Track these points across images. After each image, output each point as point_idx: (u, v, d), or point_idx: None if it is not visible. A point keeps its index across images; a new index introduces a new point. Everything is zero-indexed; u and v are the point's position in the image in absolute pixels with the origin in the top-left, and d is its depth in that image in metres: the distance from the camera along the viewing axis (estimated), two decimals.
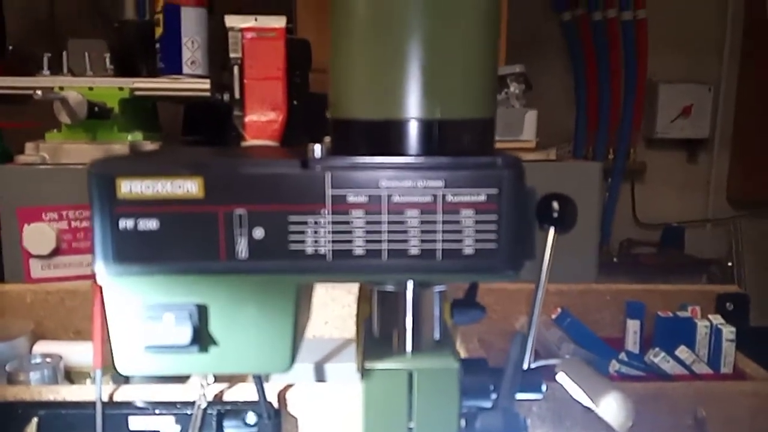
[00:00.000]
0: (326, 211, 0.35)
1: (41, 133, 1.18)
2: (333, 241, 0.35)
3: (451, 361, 0.40)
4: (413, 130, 0.36)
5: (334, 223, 0.35)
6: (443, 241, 0.35)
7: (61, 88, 1.12)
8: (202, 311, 0.36)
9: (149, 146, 1.16)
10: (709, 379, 0.72)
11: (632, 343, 0.79)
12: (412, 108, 0.35)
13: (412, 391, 0.40)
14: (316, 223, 0.35)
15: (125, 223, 0.35)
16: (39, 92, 1.01)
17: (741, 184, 2.27)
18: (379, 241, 0.35)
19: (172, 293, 0.36)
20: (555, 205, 0.42)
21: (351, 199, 0.35)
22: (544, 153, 1.16)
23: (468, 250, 0.35)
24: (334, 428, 0.65)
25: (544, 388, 0.46)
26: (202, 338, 0.37)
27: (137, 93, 1.16)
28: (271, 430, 0.63)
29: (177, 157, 0.37)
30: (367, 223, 0.35)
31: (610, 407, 0.44)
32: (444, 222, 0.35)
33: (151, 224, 0.35)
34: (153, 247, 0.35)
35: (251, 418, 0.63)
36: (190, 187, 0.35)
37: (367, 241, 0.35)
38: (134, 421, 0.62)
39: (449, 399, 0.40)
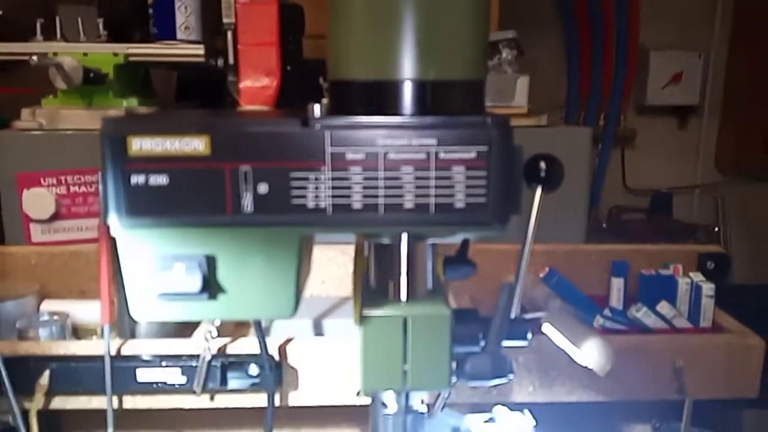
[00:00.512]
0: (326, 168, 0.37)
1: (36, 99, 1.19)
2: (333, 196, 0.38)
3: (444, 308, 0.43)
4: (408, 90, 0.38)
5: (333, 179, 0.37)
6: (436, 195, 0.38)
7: (55, 54, 1.12)
8: (211, 261, 0.39)
9: (144, 111, 1.17)
10: (688, 333, 0.76)
11: (616, 300, 0.82)
12: (407, 69, 0.38)
13: (406, 336, 0.43)
14: (316, 179, 0.38)
15: (137, 179, 0.37)
16: (35, 58, 1.01)
17: (729, 150, 2.30)
18: (376, 196, 0.38)
19: (182, 245, 0.39)
20: (542, 164, 0.44)
21: (349, 156, 0.37)
22: (536, 119, 1.18)
23: (459, 204, 0.38)
24: (332, 379, 0.68)
25: (529, 336, 0.49)
26: (211, 286, 0.39)
27: (131, 59, 1.17)
28: (272, 381, 0.66)
29: (184, 116, 0.39)
30: (365, 179, 0.38)
31: (591, 352, 0.47)
32: (436, 178, 0.38)
33: (161, 180, 0.37)
34: (163, 202, 0.38)
35: (254, 369, 0.66)
36: (197, 144, 0.37)
37: (365, 196, 0.38)
38: (142, 374, 0.65)
39: (441, 343, 0.43)
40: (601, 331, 0.74)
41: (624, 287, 0.82)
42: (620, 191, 2.29)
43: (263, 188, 0.38)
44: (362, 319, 0.43)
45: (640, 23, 2.11)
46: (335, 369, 0.68)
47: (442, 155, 0.37)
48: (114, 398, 0.67)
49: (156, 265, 0.39)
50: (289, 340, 0.68)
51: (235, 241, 0.39)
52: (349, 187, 0.38)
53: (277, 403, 0.67)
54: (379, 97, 0.38)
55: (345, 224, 0.38)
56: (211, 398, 0.68)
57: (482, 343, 0.47)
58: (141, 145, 0.37)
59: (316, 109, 0.38)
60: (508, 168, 0.38)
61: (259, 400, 0.67)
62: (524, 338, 0.49)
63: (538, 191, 0.45)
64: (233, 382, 0.66)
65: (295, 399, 0.68)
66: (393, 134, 0.37)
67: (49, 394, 0.66)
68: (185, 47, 1.18)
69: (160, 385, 0.66)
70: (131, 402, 0.68)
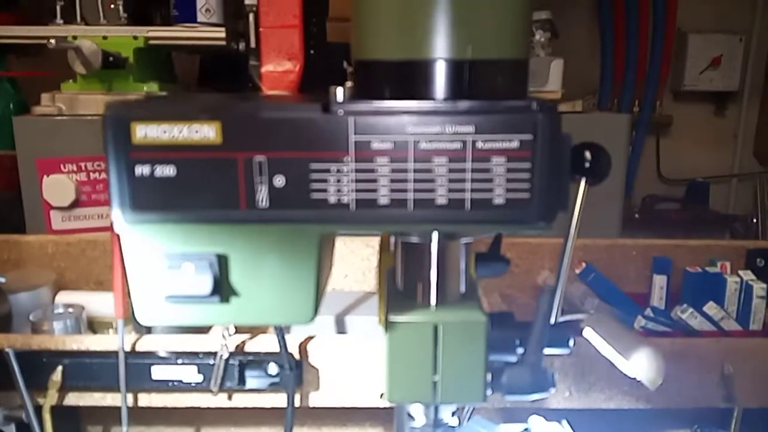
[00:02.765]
0: (349, 158, 0.33)
1: (56, 83, 1.17)
2: (357, 190, 0.34)
3: (479, 314, 0.39)
4: (442, 71, 0.34)
5: (357, 171, 0.33)
6: (472, 190, 0.34)
7: (75, 38, 1.10)
8: (223, 261, 0.35)
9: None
10: (737, 336, 0.71)
11: (658, 298, 0.77)
12: (441, 47, 0.33)
13: (437, 345, 0.39)
14: (338, 170, 0.34)
15: (141, 170, 0.34)
16: (53, 41, 0.99)
17: None
18: (405, 191, 0.34)
19: (191, 242, 0.35)
20: (587, 154, 0.40)
21: (375, 145, 0.33)
22: (570, 104, 1.12)
23: (498, 200, 0.34)
24: (355, 379, 0.65)
25: (571, 343, 0.45)
26: (222, 288, 0.36)
27: (151, 42, 1.14)
28: (292, 381, 0.63)
29: (194, 101, 0.35)
30: (393, 171, 0.33)
31: (641, 363, 0.43)
32: (473, 170, 0.33)
33: (168, 171, 0.34)
34: (170, 195, 0.34)
35: (273, 368, 0.63)
36: (207, 132, 0.33)
37: (392, 190, 0.34)
38: (157, 371, 0.63)
39: (476, 353, 0.39)
40: (644, 334, 0.69)
41: (667, 285, 0.77)
42: (654, 180, 2.21)
43: (280, 181, 0.34)
44: (388, 325, 0.39)
45: (677, 4, 2.02)
46: (358, 369, 0.65)
47: (480, 144, 0.33)
48: (129, 395, 0.64)
49: (163, 264, 0.35)
50: (310, 338, 0.65)
51: (249, 239, 0.35)
52: (374, 180, 0.34)
53: (297, 403, 0.64)
54: (408, 79, 0.34)
55: (370, 221, 0.34)
56: (229, 397, 0.65)
57: (519, 350, 0.43)
58: (146, 132, 0.34)
59: (339, 92, 0.34)
60: (555, 159, 0.34)
61: (279, 400, 0.64)
62: (566, 346, 0.44)
63: (582, 183, 0.41)
64: (251, 382, 0.63)
65: (316, 400, 0.65)
66: (424, 121, 0.33)
67: (63, 389, 0.64)
68: (206, 30, 1.15)
69: (175, 383, 0.63)
70: (147, 399, 0.65)
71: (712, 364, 0.66)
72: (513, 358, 0.43)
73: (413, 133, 0.33)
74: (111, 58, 1.09)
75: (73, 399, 0.65)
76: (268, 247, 0.35)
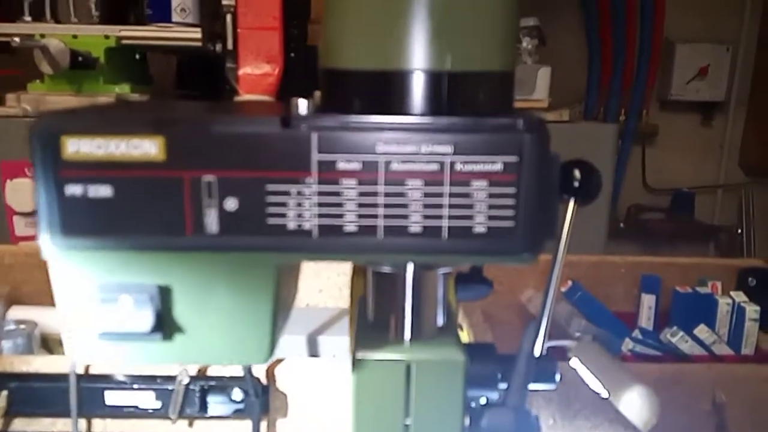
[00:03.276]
0: (312, 180, 0.29)
1: (23, 83, 1.11)
2: (319, 215, 0.30)
3: (456, 352, 0.35)
4: (418, 83, 0.30)
5: (321, 193, 0.30)
6: (450, 217, 0.30)
7: (43, 36, 1.04)
8: (166, 293, 0.31)
9: (137, 99, 1.09)
10: (729, 361, 0.68)
11: (646, 318, 0.74)
12: (417, 57, 0.29)
13: (409, 385, 0.35)
14: (299, 193, 0.30)
15: (73, 190, 0.30)
16: (17, 39, 0.93)
17: (755, 149, 2.20)
18: (375, 216, 0.30)
19: (129, 272, 0.31)
20: (576, 173, 0.36)
21: (342, 165, 0.29)
22: (557, 113, 1.09)
23: (479, 229, 0.30)
24: (327, 406, 0.61)
25: (557, 377, 0.41)
26: (166, 325, 0.31)
27: (124, 42, 1.09)
28: (258, 408, 0.59)
29: (136, 112, 0.31)
30: (361, 194, 0.30)
31: (633, 403, 0.39)
32: (452, 195, 0.30)
33: (103, 191, 0.30)
34: (106, 218, 0.30)
35: (237, 394, 0.59)
36: (148, 147, 0.29)
37: (360, 216, 0.30)
38: (111, 396, 0.58)
39: (452, 394, 0.35)
40: (632, 358, 0.66)
41: (655, 305, 0.74)
42: (640, 190, 2.20)
43: (232, 204, 0.30)
44: (356, 362, 0.35)
45: (665, 13, 2.01)
46: (330, 395, 0.61)
47: (459, 166, 0.29)
48: (81, 422, 0.59)
49: (97, 296, 0.31)
50: (278, 361, 0.61)
51: (197, 269, 0.31)
52: (340, 204, 0.30)
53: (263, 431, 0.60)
54: (381, 91, 0.30)
55: (335, 250, 0.31)
56: (190, 425, 0.60)
57: (501, 385, 0.40)
58: (78, 147, 0.29)
59: (302, 105, 0.30)
60: (543, 183, 0.30)
61: (244, 428, 0.60)
62: (552, 381, 0.41)
63: (571, 204, 0.37)
64: (214, 408, 0.59)
65: (283, 428, 0.61)
66: (398, 138, 0.29)
67: (8, 415, 0.59)
68: (181, 30, 1.11)
69: (132, 409, 0.58)
70: (101, 426, 0.61)
71: (703, 391, 0.62)
72: (494, 395, 0.40)
73: (384, 152, 0.29)
74: (80, 58, 1.04)
75: (19, 425, 0.60)
76: (218, 278, 0.31)
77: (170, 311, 0.31)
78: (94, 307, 0.31)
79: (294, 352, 0.68)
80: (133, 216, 0.30)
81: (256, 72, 1.07)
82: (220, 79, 1.18)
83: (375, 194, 0.30)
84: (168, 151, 0.29)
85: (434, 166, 0.29)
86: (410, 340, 0.36)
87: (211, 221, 0.30)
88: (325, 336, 0.69)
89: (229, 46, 1.08)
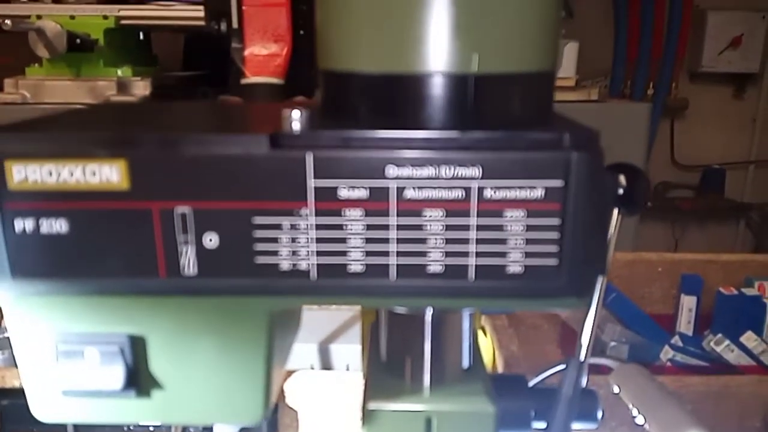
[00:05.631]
0: (307, 211, 0.24)
1: (22, 68, 1.07)
2: (318, 253, 0.24)
3: (484, 401, 0.30)
4: (438, 89, 0.24)
5: (319, 227, 0.24)
6: (478, 254, 0.24)
7: (39, 17, 0.99)
8: (139, 344, 0.26)
9: (139, 82, 1.04)
10: None
11: (686, 322, 0.68)
12: (437, 56, 0.24)
13: None
14: (293, 227, 0.24)
15: (23, 224, 0.25)
16: (8, 22, 0.88)
17: None
18: (386, 254, 0.24)
19: (95, 321, 0.26)
20: (621, 179, 0.30)
21: (344, 193, 0.24)
22: (585, 92, 1.02)
23: (514, 268, 0.24)
24: (339, 425, 0.56)
25: (599, 415, 0.36)
26: (140, 381, 0.27)
27: (123, 22, 1.03)
28: (266, 426, 0.55)
29: (93, 127, 0.26)
30: (368, 227, 0.24)
31: None
32: (480, 228, 0.24)
33: (58, 226, 0.25)
34: (63, 258, 0.25)
35: None
36: (108, 173, 0.24)
37: (368, 254, 0.24)
38: None
39: None
40: (673, 369, 0.60)
41: (696, 307, 0.68)
42: (668, 166, 2.11)
43: (212, 240, 0.24)
44: (366, 414, 0.30)
45: None
46: (344, 411, 0.56)
47: (489, 193, 0.24)
48: None
49: (58, 349, 0.26)
50: (288, 374, 0.56)
51: (174, 316, 0.26)
52: (343, 240, 0.24)
53: None
54: (393, 100, 0.25)
55: (337, 293, 0.25)
56: None
57: (535, 425, 0.35)
58: (26, 174, 0.24)
59: (295, 118, 0.24)
60: (595, 211, 0.24)
61: None
62: (593, 420, 0.36)
63: (615, 215, 0.31)
64: (220, 426, 0.55)
65: None
66: (413, 159, 0.24)
67: None
68: (183, 9, 1.05)
69: (131, 428, 0.54)
70: None
71: (752, 407, 0.57)
72: None
73: (396, 176, 0.24)
74: (78, 40, 0.99)
75: None
76: (200, 326, 0.26)
77: (146, 365, 0.26)
78: (54, 361, 0.26)
79: (305, 363, 0.63)
80: (94, 255, 0.25)
81: (263, 52, 1.01)
82: (227, 60, 1.13)
83: (386, 227, 0.24)
84: (132, 178, 0.24)
85: (458, 193, 0.24)
86: (430, 386, 0.31)
87: (188, 261, 0.25)
88: (337, 344, 0.64)
89: (234, 24, 1.02)
